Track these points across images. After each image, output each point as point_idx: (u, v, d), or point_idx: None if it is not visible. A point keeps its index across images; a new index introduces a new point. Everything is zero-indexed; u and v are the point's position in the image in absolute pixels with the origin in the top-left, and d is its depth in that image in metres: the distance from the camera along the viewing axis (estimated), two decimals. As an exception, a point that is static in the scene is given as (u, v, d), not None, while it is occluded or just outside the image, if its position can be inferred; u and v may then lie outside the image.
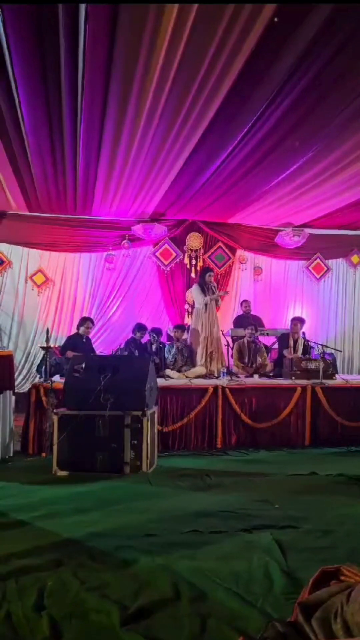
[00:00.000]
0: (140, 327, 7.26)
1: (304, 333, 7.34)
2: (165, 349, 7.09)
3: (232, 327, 8.31)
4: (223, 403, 5.94)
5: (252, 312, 8.69)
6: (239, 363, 6.96)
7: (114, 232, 8.98)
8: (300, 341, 7.20)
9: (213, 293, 7.13)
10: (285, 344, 7.20)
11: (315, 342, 7.55)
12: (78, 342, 6.72)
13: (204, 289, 7.09)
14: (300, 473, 4.79)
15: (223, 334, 7.16)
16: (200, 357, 6.85)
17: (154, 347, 6.92)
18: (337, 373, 6.87)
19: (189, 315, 9.15)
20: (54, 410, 4.93)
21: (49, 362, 5.84)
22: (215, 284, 7.54)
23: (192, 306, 9.13)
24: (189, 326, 8.30)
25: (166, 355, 6.93)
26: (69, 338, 6.93)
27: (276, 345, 7.84)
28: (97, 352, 7.28)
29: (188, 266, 9.31)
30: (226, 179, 6.74)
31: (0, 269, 8.74)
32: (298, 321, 7.35)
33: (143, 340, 7.22)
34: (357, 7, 3.51)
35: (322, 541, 3.15)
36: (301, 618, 1.02)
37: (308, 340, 7.35)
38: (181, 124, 5.16)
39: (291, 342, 7.17)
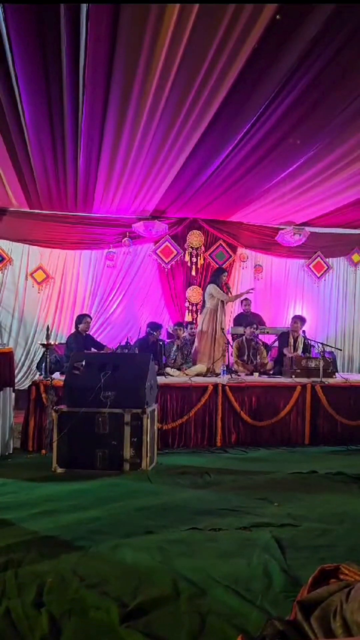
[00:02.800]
0: (155, 326, 7.19)
1: (304, 331, 7.34)
2: (166, 347, 7.09)
3: (232, 325, 8.32)
4: (223, 401, 5.94)
5: (252, 311, 8.69)
6: (239, 360, 6.97)
7: (114, 230, 8.98)
8: (300, 340, 7.20)
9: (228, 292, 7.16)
10: (285, 343, 7.20)
11: (315, 341, 7.56)
12: (79, 341, 6.71)
13: (222, 289, 7.07)
14: (300, 471, 4.80)
15: (223, 332, 7.15)
16: (207, 357, 6.81)
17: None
18: (337, 372, 6.87)
19: (189, 313, 9.16)
20: (54, 408, 4.94)
21: (49, 359, 5.84)
22: (229, 285, 7.57)
23: (193, 304, 9.16)
24: (188, 324, 8.31)
25: (166, 353, 6.93)
26: (74, 338, 6.81)
27: (276, 344, 7.84)
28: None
29: (189, 264, 9.31)
30: (227, 176, 6.74)
31: (1, 266, 8.74)
32: (298, 320, 7.35)
33: (145, 334, 7.21)
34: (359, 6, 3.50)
35: (321, 539, 3.16)
36: (300, 616, 1.02)
37: (308, 339, 7.35)
38: (182, 121, 5.15)
39: (291, 341, 7.17)
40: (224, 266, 9.18)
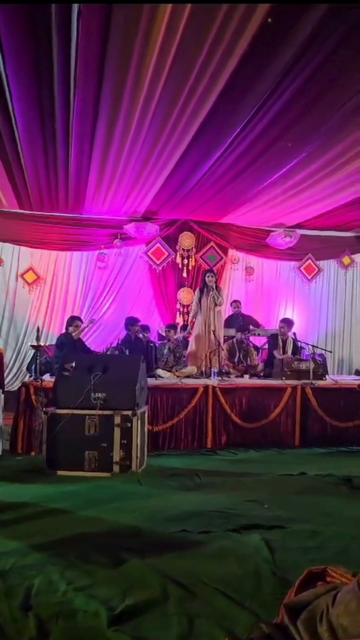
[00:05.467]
0: (132, 322, 7.19)
1: (294, 334, 7.36)
2: (158, 349, 7.08)
3: (223, 328, 8.31)
4: (213, 403, 5.94)
5: (243, 312, 8.70)
6: (229, 362, 6.99)
7: (105, 231, 8.97)
8: (290, 341, 7.22)
9: (212, 293, 7.09)
10: (275, 345, 7.22)
11: (305, 343, 7.58)
12: (69, 342, 6.67)
13: (202, 292, 7.07)
14: (290, 473, 4.80)
15: (215, 334, 7.16)
16: (198, 359, 6.83)
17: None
18: (327, 374, 6.90)
19: (181, 315, 9.16)
20: (44, 409, 4.91)
21: (39, 360, 5.81)
22: (216, 286, 7.49)
23: (184, 306, 9.18)
24: (181, 325, 8.32)
25: (158, 355, 6.92)
26: (65, 339, 6.77)
27: (267, 346, 7.86)
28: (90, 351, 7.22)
29: (180, 266, 9.31)
30: (219, 178, 6.75)
31: (-9, 266, 8.70)
32: (284, 323, 7.34)
33: (138, 335, 7.21)
34: (353, 7, 3.51)
35: (310, 541, 3.16)
36: (287, 619, 1.02)
37: (299, 341, 7.37)
38: (174, 123, 5.16)
39: (280, 343, 7.19)
40: (215, 268, 9.20)
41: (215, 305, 7.04)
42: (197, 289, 7.17)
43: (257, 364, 7.09)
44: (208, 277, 7.15)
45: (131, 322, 7.27)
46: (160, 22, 3.63)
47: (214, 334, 6.92)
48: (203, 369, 6.74)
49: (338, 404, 6.29)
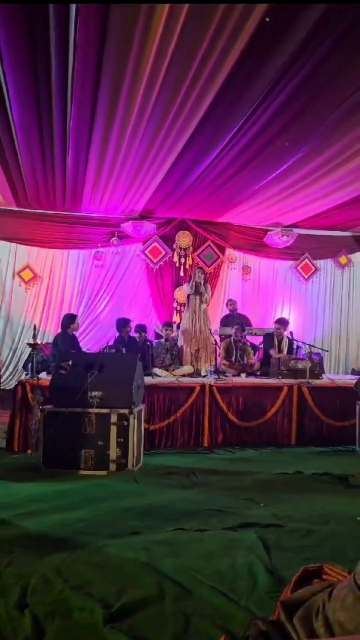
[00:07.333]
0: (124, 323, 7.18)
1: (291, 333, 7.37)
2: (155, 347, 7.08)
3: (220, 327, 8.33)
4: (210, 401, 5.94)
5: (239, 312, 8.71)
6: (226, 362, 6.99)
7: (103, 229, 8.96)
8: (285, 341, 7.23)
9: (200, 290, 7.14)
10: (270, 343, 7.23)
11: (302, 342, 7.59)
12: (67, 340, 6.66)
13: (193, 289, 7.13)
14: (286, 472, 4.81)
15: (211, 333, 7.17)
16: (187, 355, 6.88)
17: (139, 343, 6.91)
18: (324, 373, 6.91)
19: (177, 314, 9.17)
20: (40, 407, 4.91)
21: (35, 359, 5.79)
22: (208, 286, 7.55)
23: (181, 304, 9.19)
24: (177, 324, 8.32)
25: (154, 353, 6.92)
26: (62, 338, 6.73)
27: (262, 344, 7.86)
28: (84, 350, 7.22)
29: (177, 264, 9.31)
30: (216, 177, 6.75)
31: (-13, 264, 8.67)
32: (279, 323, 7.35)
33: (131, 334, 7.21)
34: (349, 8, 3.52)
35: (306, 540, 3.17)
36: (283, 617, 1.02)
37: (294, 340, 7.37)
38: (172, 121, 5.15)
39: (275, 342, 7.20)
40: (212, 267, 9.22)
41: (202, 302, 7.09)
42: (187, 285, 7.24)
43: (253, 363, 7.10)
44: (197, 274, 7.24)
45: (122, 323, 7.21)
46: (158, 21, 3.63)
47: (210, 332, 6.95)
48: (191, 364, 6.78)
49: (334, 403, 6.30)
